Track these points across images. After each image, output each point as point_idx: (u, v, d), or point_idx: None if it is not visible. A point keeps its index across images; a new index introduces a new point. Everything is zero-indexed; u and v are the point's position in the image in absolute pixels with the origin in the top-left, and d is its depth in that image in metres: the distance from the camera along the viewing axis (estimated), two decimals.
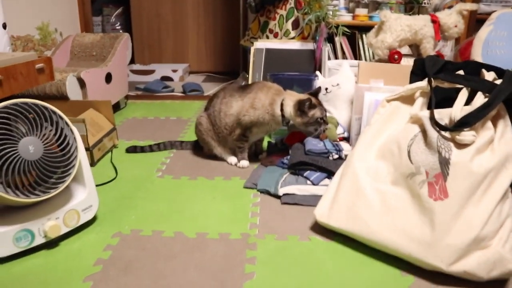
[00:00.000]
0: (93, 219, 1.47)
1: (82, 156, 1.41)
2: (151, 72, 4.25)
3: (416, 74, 1.54)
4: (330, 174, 1.63)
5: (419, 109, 1.38)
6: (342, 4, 2.74)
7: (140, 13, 4.42)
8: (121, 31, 4.87)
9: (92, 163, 1.97)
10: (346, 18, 2.63)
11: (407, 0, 2.62)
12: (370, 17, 2.65)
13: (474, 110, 1.20)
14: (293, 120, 1.77)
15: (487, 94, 1.25)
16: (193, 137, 2.10)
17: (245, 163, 1.90)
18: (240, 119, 1.83)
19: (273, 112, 1.78)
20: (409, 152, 1.27)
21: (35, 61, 1.72)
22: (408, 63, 2.22)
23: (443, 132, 1.23)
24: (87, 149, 1.95)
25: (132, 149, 2.13)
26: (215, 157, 2.00)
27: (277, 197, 1.61)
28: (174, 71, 4.15)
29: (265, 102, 1.79)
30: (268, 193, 1.64)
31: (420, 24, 2.03)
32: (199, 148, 2.08)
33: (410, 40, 2.06)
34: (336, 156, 1.70)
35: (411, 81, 1.52)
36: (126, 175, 1.87)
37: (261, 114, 1.79)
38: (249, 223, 1.45)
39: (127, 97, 3.18)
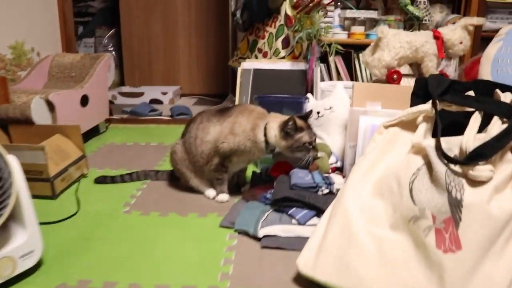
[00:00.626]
0: (37, 266, 1.24)
1: (22, 192, 1.19)
2: (140, 94, 4.08)
3: (418, 96, 1.33)
4: (319, 211, 1.39)
5: (423, 136, 1.16)
6: (337, 22, 2.55)
7: (131, 33, 4.26)
8: (113, 52, 4.75)
9: (53, 195, 1.75)
10: (341, 36, 2.44)
11: (406, 17, 2.43)
12: (367, 35, 2.45)
13: (491, 139, 0.98)
14: (277, 145, 1.56)
15: (505, 119, 1.03)
16: (171, 166, 1.87)
17: (224, 197, 1.67)
18: (218, 147, 1.61)
19: (255, 138, 1.56)
20: (411, 190, 1.04)
21: None
22: (408, 83, 2.01)
23: (452, 166, 1.00)
24: (47, 180, 1.73)
25: (101, 180, 1.90)
26: (192, 190, 1.77)
27: (257, 239, 1.37)
28: (164, 93, 3.96)
29: (246, 127, 1.57)
30: (246, 234, 1.41)
31: (421, 40, 1.82)
32: (176, 179, 1.86)
33: (410, 58, 1.85)
34: (326, 191, 1.47)
35: (412, 104, 1.31)
36: (89, 210, 1.64)
37: (241, 140, 1.57)
38: (220, 272, 1.22)
39: (109, 120, 2.98)
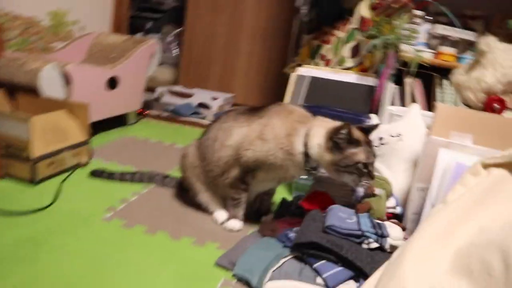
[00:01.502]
0: None
1: None
2: (189, 95, 3.80)
3: None
4: (358, 273, 0.93)
5: None
6: (422, 39, 2.08)
7: (194, 33, 3.99)
8: (176, 50, 4.60)
9: (33, 180, 1.42)
10: (426, 55, 1.97)
11: None
12: (459, 59, 1.96)
13: None
14: (320, 160, 1.14)
15: None
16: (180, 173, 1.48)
17: (235, 224, 1.26)
18: (240, 154, 1.21)
19: (291, 147, 1.15)
20: None
21: None
22: None
23: None
24: (27, 160, 1.40)
25: (98, 174, 1.55)
26: (200, 207, 1.37)
27: None
28: (215, 99, 3.64)
29: (280, 132, 1.17)
30: (247, 284, 0.97)
31: None
32: (185, 190, 1.47)
33: None
34: (374, 245, 1.00)
35: None
36: (63, 208, 1.29)
37: (272, 149, 1.17)
38: None
39: (144, 114, 2.68)
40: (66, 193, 1.38)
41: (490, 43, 1.33)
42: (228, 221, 1.27)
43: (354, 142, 1.10)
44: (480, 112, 1.28)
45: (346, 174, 1.11)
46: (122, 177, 1.54)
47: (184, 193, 1.48)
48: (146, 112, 2.79)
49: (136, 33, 4.09)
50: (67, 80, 1.85)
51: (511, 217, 0.71)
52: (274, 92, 3.89)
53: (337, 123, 1.14)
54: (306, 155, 1.15)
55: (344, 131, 1.08)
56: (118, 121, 2.36)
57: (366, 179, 1.11)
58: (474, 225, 0.74)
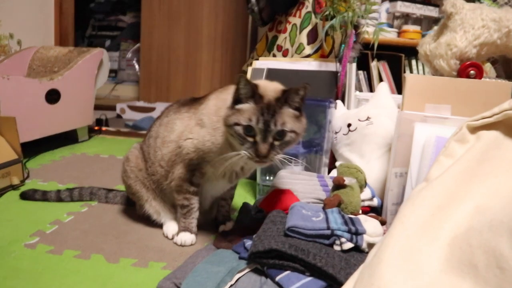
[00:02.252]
0: None
1: None
2: (151, 110, 3.65)
3: None
4: (330, 282, 0.75)
5: None
6: (384, 19, 1.94)
7: (150, 45, 3.80)
8: (137, 67, 4.44)
9: None
10: (390, 35, 1.83)
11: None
12: (424, 36, 1.83)
13: None
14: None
15: None
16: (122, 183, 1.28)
17: (186, 237, 1.06)
18: (180, 146, 1.02)
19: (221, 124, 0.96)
20: None
21: None
22: None
23: None
24: None
25: (29, 195, 1.33)
26: (147, 221, 1.17)
27: None
28: None
29: (212, 111, 1.00)
30: None
31: None
32: (133, 204, 1.27)
33: (497, 46, 1.19)
34: (348, 245, 0.82)
35: None
36: None
37: (209, 133, 0.99)
38: None
39: (100, 131, 2.48)
40: None
41: (456, 3, 1.18)
42: (177, 235, 1.07)
43: (255, 97, 0.89)
44: (456, 79, 1.12)
45: (236, 143, 0.91)
46: (58, 196, 1.33)
47: (130, 207, 1.29)
48: (104, 129, 2.59)
49: None
50: None
51: (509, 188, 0.54)
52: None
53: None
54: None
55: (242, 80, 0.89)
56: (70, 138, 2.15)
57: (250, 150, 0.88)
58: (470, 205, 0.56)
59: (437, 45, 1.19)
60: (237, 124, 0.88)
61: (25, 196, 1.33)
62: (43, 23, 2.60)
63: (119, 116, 3.51)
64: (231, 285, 0.78)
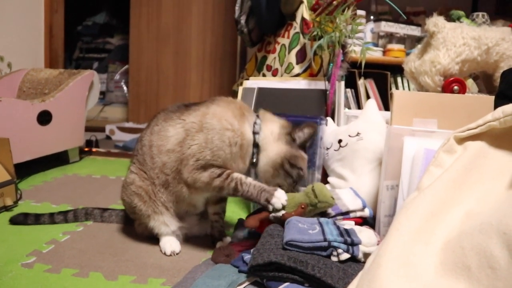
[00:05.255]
0: None
1: None
2: (140, 130, 3.62)
3: (506, 97, 0.74)
4: None
5: None
6: (369, 38, 2.01)
7: (139, 67, 3.83)
8: (125, 88, 4.46)
9: None
10: (375, 54, 1.89)
11: None
12: (408, 54, 1.90)
13: None
14: (267, 148, 1.08)
15: None
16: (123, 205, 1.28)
17: (282, 195, 1.03)
18: (186, 155, 1.06)
19: (241, 132, 1.06)
20: None
21: None
22: None
23: None
24: None
25: (20, 220, 1.32)
26: (146, 238, 1.18)
27: None
28: None
29: (225, 115, 1.06)
30: None
31: (495, 37, 1.24)
32: (128, 222, 1.28)
33: (478, 63, 1.26)
34: (345, 256, 0.84)
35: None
36: None
37: (217, 137, 1.04)
38: None
39: (88, 151, 2.49)
40: None
41: (437, 23, 1.24)
42: (277, 192, 1.01)
43: (305, 148, 1.05)
44: (441, 95, 1.17)
45: (283, 175, 1.06)
46: (53, 219, 1.32)
47: (126, 226, 1.30)
48: (94, 150, 2.59)
49: None
50: None
51: (502, 194, 0.57)
52: None
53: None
54: (254, 145, 1.06)
55: (308, 130, 1.04)
56: (61, 160, 2.15)
57: (292, 182, 1.08)
58: (461, 211, 0.60)
59: (422, 63, 1.25)
60: (300, 169, 1.06)
61: (15, 221, 1.30)
62: (33, 46, 2.62)
63: (108, 137, 3.51)
64: None
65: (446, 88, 1.22)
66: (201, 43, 3.73)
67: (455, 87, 1.21)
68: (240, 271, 0.90)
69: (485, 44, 1.22)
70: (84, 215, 1.35)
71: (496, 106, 0.80)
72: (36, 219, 1.32)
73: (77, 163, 2.25)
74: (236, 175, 1.04)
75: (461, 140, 0.69)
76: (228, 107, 1.08)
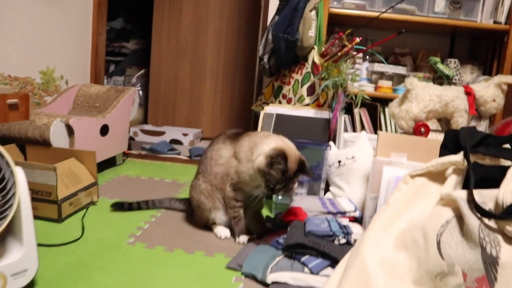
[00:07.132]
0: (28, 287, 1.16)
1: (24, 206, 1.13)
2: (161, 133, 4.09)
3: (447, 148, 1.26)
4: (334, 262, 1.29)
5: (452, 188, 1.08)
6: (364, 75, 2.53)
7: (159, 74, 4.32)
8: (140, 92, 4.88)
9: (59, 219, 1.69)
10: (368, 89, 2.42)
11: (436, 75, 2.40)
12: (395, 90, 2.42)
13: None
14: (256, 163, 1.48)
15: None
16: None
17: (244, 239, 1.58)
18: (228, 172, 1.58)
19: (252, 158, 1.51)
20: (439, 243, 0.95)
21: (7, 96, 1.50)
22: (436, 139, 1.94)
23: (486, 220, 0.91)
24: (54, 202, 1.68)
25: (118, 206, 1.85)
26: (205, 227, 1.69)
27: (265, 284, 1.27)
28: (185, 135, 3.96)
29: (245, 148, 1.54)
30: (254, 278, 1.31)
31: (452, 95, 1.77)
32: (188, 215, 1.79)
33: (439, 112, 1.79)
34: (343, 241, 1.37)
35: (441, 156, 1.23)
36: (92, 238, 1.57)
37: (243, 166, 1.53)
38: None
39: (127, 154, 2.97)
40: (89, 227, 1.66)
41: (412, 83, 1.77)
42: (239, 237, 1.57)
43: (283, 171, 1.42)
44: (412, 136, 1.70)
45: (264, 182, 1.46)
46: (139, 206, 1.86)
47: (187, 216, 1.81)
48: (127, 152, 3.08)
49: None
50: (70, 131, 2.14)
51: (426, 209, 1.09)
52: (238, 125, 4.28)
53: (281, 143, 1.48)
54: None
55: (281, 161, 1.41)
56: (109, 162, 2.65)
57: (268, 191, 1.45)
58: (407, 217, 1.12)
59: (400, 110, 1.78)
60: (268, 180, 1.43)
61: (115, 207, 1.86)
62: (82, 64, 3.11)
63: (131, 139, 3.98)
64: (274, 264, 1.32)
65: (416, 130, 1.75)
66: (215, 56, 4.21)
67: (422, 129, 1.74)
68: (277, 249, 1.43)
69: (444, 100, 1.76)
70: (158, 203, 1.89)
71: (441, 153, 1.30)
72: (129, 206, 1.86)
73: (121, 165, 2.75)
74: (242, 213, 1.58)
75: (412, 176, 1.21)
76: (251, 139, 1.55)
